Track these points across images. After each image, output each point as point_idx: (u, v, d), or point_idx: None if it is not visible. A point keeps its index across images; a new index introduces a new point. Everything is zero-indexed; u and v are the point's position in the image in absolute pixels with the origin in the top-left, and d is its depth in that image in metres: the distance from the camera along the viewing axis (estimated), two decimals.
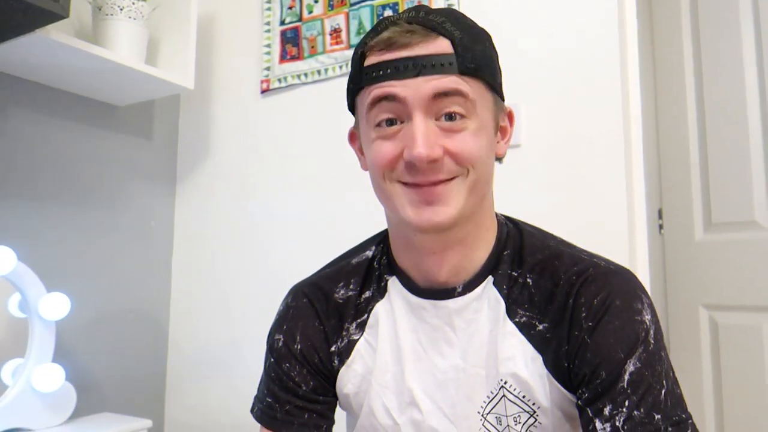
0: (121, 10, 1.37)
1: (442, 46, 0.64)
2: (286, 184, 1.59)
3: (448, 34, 0.64)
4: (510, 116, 0.73)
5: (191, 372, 1.68)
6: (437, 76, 0.62)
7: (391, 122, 0.64)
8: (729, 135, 1.66)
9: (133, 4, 1.39)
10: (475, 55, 0.64)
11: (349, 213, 1.48)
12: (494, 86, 0.67)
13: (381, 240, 0.81)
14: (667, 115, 1.78)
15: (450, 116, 0.63)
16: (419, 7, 0.67)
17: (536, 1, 1.29)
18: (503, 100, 0.71)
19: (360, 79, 0.66)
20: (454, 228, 0.66)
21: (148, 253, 1.68)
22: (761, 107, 1.60)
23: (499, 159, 0.72)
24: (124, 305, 1.59)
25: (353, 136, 0.75)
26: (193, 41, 1.50)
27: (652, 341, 0.64)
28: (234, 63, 1.72)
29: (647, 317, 0.65)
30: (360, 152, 0.74)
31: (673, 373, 0.65)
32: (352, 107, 0.72)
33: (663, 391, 0.62)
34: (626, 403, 0.61)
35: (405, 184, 0.65)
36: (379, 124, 0.65)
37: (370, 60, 0.65)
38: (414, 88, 0.62)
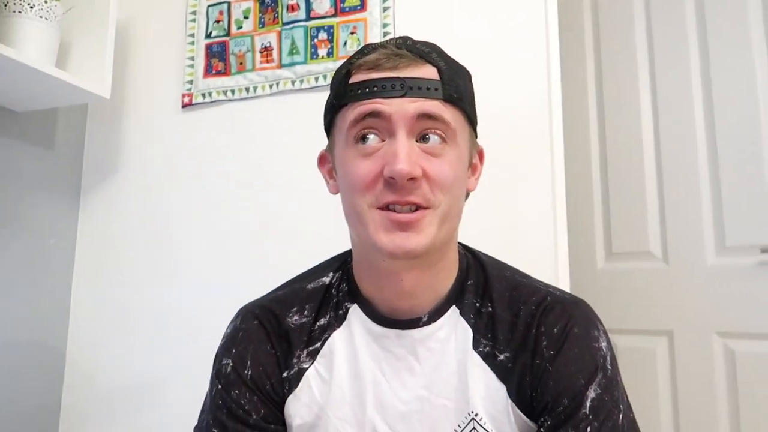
0: (32, 8, 1.25)
1: (428, 72, 0.65)
2: (205, 204, 1.51)
3: (434, 63, 0.66)
4: (480, 154, 0.75)
5: (89, 412, 1.52)
6: (422, 99, 0.63)
7: (366, 138, 0.64)
8: (627, 173, 1.82)
9: (46, 2, 1.27)
10: (458, 87, 0.66)
11: (275, 239, 1.44)
12: (472, 120, 0.69)
13: (339, 266, 0.79)
14: (572, 156, 1.88)
15: (430, 138, 0.64)
16: (405, 37, 0.69)
17: (465, 40, 1.34)
18: (476, 137, 0.73)
19: (343, 95, 0.66)
20: (424, 257, 0.66)
21: (46, 275, 1.52)
22: (655, 150, 1.76)
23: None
24: (14, 333, 1.42)
25: (323, 159, 0.74)
26: (110, 47, 1.40)
27: (610, 367, 0.67)
28: (151, 73, 1.62)
29: (603, 344, 0.69)
30: (329, 175, 0.72)
31: (627, 397, 0.69)
32: (329, 127, 0.71)
33: (620, 416, 0.65)
34: (588, 430, 0.63)
35: (381, 209, 0.64)
36: (359, 140, 0.64)
37: (356, 78, 0.65)
38: (399, 106, 0.63)
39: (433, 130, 0.64)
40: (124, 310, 1.54)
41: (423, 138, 0.64)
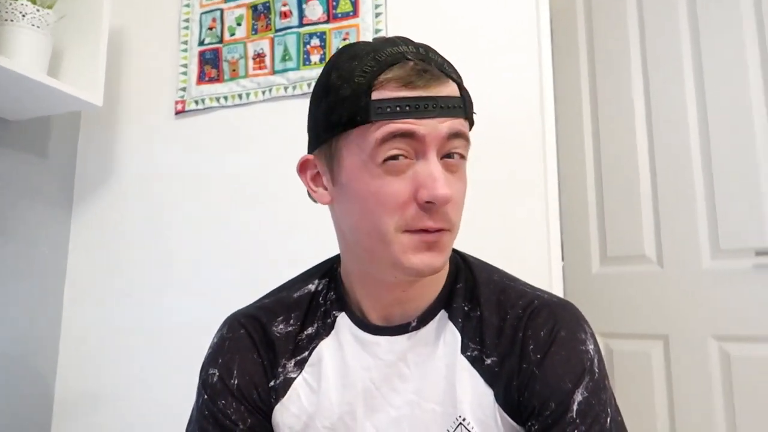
0: (24, 16, 1.25)
1: (452, 89, 0.65)
2: (199, 211, 1.51)
3: (453, 78, 0.65)
4: None
5: (80, 423, 1.51)
6: (451, 118, 0.63)
7: (396, 157, 0.62)
8: (621, 177, 1.82)
9: (38, 11, 1.27)
10: (471, 102, 0.67)
11: (267, 245, 1.43)
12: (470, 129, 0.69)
13: (325, 274, 0.79)
14: (567, 160, 1.90)
15: (452, 155, 0.64)
16: (418, 44, 0.67)
17: (456, 46, 1.34)
18: None
19: (367, 112, 0.62)
20: None
21: (37, 284, 1.51)
22: (649, 154, 1.77)
23: None
24: (4, 343, 1.41)
25: (307, 165, 0.72)
26: (103, 55, 1.40)
27: (597, 370, 0.67)
28: (144, 81, 1.62)
29: (591, 347, 0.68)
30: (314, 183, 0.71)
31: (615, 400, 0.68)
32: (328, 137, 0.67)
33: (608, 419, 0.65)
34: None
35: (412, 232, 0.63)
36: (387, 160, 0.62)
37: (383, 94, 0.62)
38: (432, 127, 0.62)
39: (456, 149, 0.64)
40: (117, 319, 1.53)
41: (447, 155, 0.64)
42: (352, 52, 0.67)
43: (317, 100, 0.69)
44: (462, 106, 0.64)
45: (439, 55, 0.67)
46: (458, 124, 0.64)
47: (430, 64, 0.64)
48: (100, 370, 1.52)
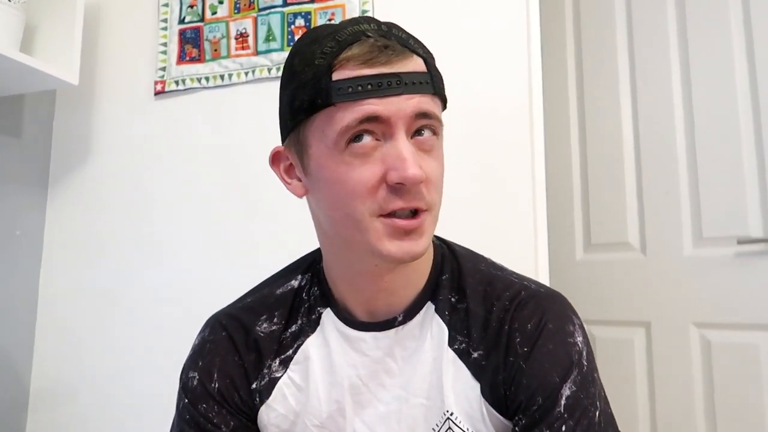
0: None
1: (417, 64, 0.62)
2: (180, 195, 1.47)
3: (419, 53, 0.62)
4: None
5: (56, 417, 1.48)
6: (418, 95, 0.60)
7: (360, 138, 0.60)
8: (606, 165, 1.82)
9: None
10: (440, 76, 0.64)
11: (249, 228, 1.41)
12: (444, 109, 0.67)
13: (307, 268, 0.76)
14: (553, 148, 1.89)
15: (422, 132, 0.61)
16: (382, 22, 0.64)
17: (445, 31, 1.32)
18: None
19: (328, 94, 0.59)
20: None
21: (12, 267, 1.47)
22: (634, 143, 1.77)
23: None
24: None
25: (279, 157, 0.69)
26: (78, 32, 1.35)
27: (586, 363, 0.66)
28: (122, 60, 1.57)
29: (579, 339, 0.67)
30: (288, 175, 0.68)
31: (604, 392, 0.68)
32: (295, 125, 0.64)
33: (597, 413, 0.64)
34: (563, 428, 0.62)
35: (384, 217, 0.60)
36: (352, 142, 0.60)
37: (344, 74, 0.59)
38: (397, 106, 0.59)
39: (427, 126, 0.61)
40: (95, 304, 1.50)
41: (417, 133, 0.61)
42: (313, 35, 0.64)
43: (283, 88, 0.66)
44: (429, 82, 0.61)
45: (404, 31, 0.64)
46: (426, 101, 0.61)
47: (391, 39, 0.61)
48: (78, 357, 1.49)
